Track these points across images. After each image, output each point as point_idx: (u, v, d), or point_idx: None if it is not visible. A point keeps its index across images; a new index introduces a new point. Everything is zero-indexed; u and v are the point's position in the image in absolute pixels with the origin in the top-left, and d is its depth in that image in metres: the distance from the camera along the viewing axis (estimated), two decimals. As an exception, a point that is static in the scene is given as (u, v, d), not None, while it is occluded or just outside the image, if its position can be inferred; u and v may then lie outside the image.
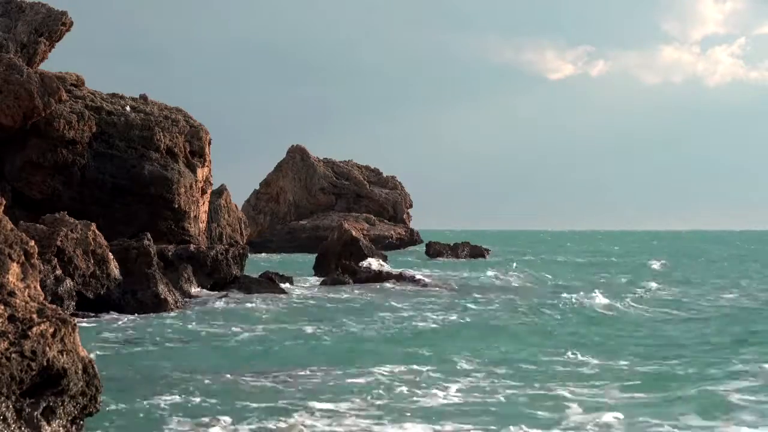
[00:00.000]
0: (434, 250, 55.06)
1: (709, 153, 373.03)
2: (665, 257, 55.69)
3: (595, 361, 13.07)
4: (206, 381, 11.14)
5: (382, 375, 11.65)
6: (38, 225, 18.87)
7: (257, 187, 75.76)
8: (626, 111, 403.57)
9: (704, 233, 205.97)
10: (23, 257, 7.36)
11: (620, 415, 9.22)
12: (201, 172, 29.87)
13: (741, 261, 53.00)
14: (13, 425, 6.40)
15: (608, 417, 9.18)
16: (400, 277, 29.87)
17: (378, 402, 9.99)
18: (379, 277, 30.01)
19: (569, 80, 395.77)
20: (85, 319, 17.48)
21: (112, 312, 18.94)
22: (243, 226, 47.63)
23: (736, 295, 26.30)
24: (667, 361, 13.10)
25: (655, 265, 45.99)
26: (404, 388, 10.70)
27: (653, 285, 29.87)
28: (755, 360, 13.09)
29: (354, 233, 35.90)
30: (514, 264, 43.93)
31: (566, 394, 10.51)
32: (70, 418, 6.85)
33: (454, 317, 19.44)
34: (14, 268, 7.18)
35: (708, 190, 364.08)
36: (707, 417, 9.34)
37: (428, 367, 12.29)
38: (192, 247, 24.75)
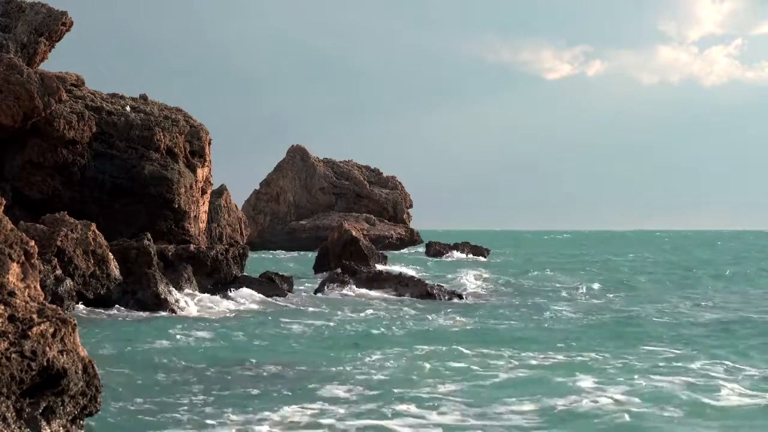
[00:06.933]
0: (434, 250, 55.21)
1: (707, 153, 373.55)
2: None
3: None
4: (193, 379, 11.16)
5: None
6: (38, 225, 18.87)
7: (257, 187, 75.81)
8: (623, 111, 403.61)
9: (704, 233, 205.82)
10: (23, 257, 7.36)
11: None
12: (201, 172, 29.84)
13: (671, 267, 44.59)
14: (13, 425, 6.40)
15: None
16: (400, 277, 29.77)
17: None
18: (379, 276, 29.92)
19: (566, 80, 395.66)
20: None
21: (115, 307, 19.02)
22: (243, 226, 47.62)
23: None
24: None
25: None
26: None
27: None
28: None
29: (354, 233, 35.88)
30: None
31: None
32: (70, 418, 6.85)
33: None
34: (14, 268, 7.19)
35: (706, 190, 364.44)
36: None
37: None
38: (192, 247, 24.70)
